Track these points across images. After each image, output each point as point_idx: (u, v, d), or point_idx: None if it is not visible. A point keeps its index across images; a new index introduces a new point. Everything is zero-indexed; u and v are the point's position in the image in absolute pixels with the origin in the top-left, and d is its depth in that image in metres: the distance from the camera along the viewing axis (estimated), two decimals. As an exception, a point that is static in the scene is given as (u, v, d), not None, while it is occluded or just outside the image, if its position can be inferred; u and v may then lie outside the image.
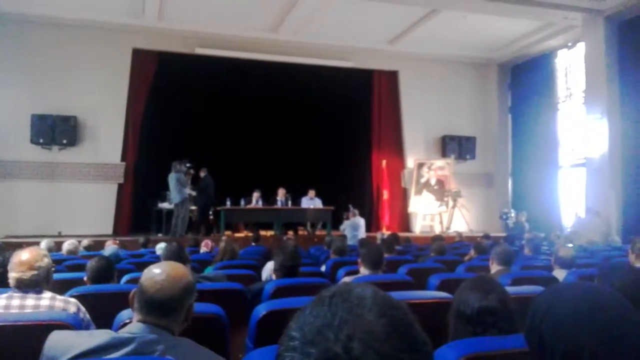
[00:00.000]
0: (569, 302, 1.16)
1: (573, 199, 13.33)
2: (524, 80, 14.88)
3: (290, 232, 12.65)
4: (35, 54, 11.87)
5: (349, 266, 4.55)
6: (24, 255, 2.69)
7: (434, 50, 14.26)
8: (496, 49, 14.51)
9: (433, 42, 13.74)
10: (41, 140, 11.70)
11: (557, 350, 1.10)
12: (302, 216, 12.68)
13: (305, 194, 12.83)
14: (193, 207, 12.08)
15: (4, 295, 2.61)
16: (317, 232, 12.59)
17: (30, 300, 2.58)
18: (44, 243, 6.59)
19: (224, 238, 7.63)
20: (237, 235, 11.67)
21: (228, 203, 11.80)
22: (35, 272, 2.63)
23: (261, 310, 2.47)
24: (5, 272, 2.79)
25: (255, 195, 12.45)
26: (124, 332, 1.67)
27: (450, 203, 13.99)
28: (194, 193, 11.78)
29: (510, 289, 2.28)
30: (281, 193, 12.55)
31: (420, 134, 14.76)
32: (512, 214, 13.18)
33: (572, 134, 13.73)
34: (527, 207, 13.59)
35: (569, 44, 13.57)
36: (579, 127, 13.00)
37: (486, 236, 9.86)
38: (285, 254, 3.62)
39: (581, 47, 12.63)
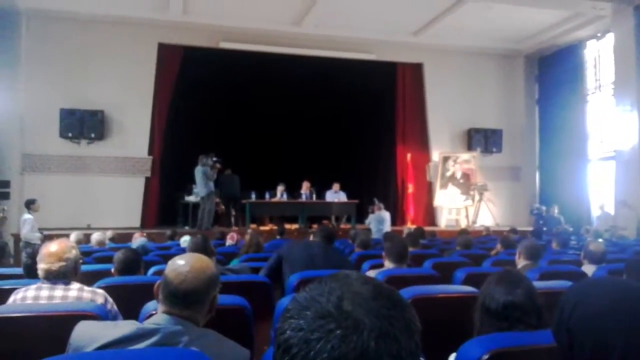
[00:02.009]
0: (598, 296, 1.14)
1: (602, 193, 13.08)
2: (552, 72, 14.59)
3: (315, 226, 12.66)
4: (63, 49, 12.06)
5: (373, 260, 4.53)
6: (52, 246, 2.73)
7: (459, 41, 14.08)
8: (523, 39, 14.26)
9: (458, 34, 13.57)
10: (70, 134, 11.90)
11: (586, 346, 1.08)
12: (327, 209, 12.69)
13: (329, 187, 12.83)
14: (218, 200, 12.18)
15: (33, 286, 2.66)
16: (342, 226, 12.57)
17: (59, 291, 2.62)
18: (73, 235, 6.70)
19: (249, 231, 7.66)
20: (262, 228, 11.73)
21: (253, 196, 11.87)
22: (63, 264, 2.67)
23: (285, 302, 2.47)
24: (34, 263, 2.84)
25: (280, 188, 12.50)
26: (149, 323, 1.69)
27: (476, 197, 13.85)
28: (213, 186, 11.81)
29: (537, 284, 2.25)
30: (305, 186, 12.57)
31: (445, 127, 14.61)
32: (543, 209, 12.97)
33: (601, 126, 13.47)
34: (555, 201, 13.36)
35: (598, 35, 13.27)
36: (608, 119, 12.74)
37: (513, 230, 9.74)
38: (324, 226, 4.34)
39: (610, 37, 12.37)
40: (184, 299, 1.72)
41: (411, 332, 0.76)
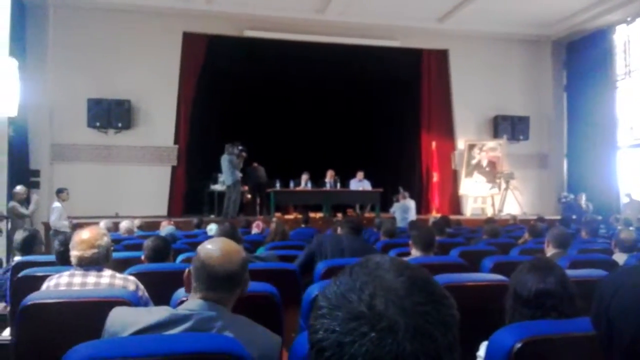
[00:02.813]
0: (637, 285, 1.12)
1: (632, 181, 12.83)
2: (581, 58, 14.29)
3: (339, 214, 12.67)
4: (89, 40, 12.20)
5: (399, 248, 4.52)
6: (84, 234, 2.77)
7: (485, 27, 13.85)
8: (550, 25, 13.96)
9: (484, 19, 13.33)
10: (97, 124, 12.07)
11: (626, 334, 1.06)
12: (351, 198, 12.69)
13: (353, 175, 12.81)
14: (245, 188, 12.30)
15: (66, 272, 2.70)
16: (366, 214, 12.55)
17: (92, 278, 2.66)
18: (102, 223, 6.81)
19: (274, 220, 7.70)
20: (287, 217, 11.78)
21: (278, 185, 11.92)
22: (95, 251, 2.71)
23: (314, 290, 2.48)
24: (67, 250, 2.89)
25: (304, 177, 12.53)
26: (182, 309, 1.71)
27: (503, 185, 13.68)
28: (241, 175, 11.89)
29: (568, 272, 2.21)
30: (330, 175, 12.58)
31: (471, 114, 14.43)
32: (571, 197, 12.77)
33: (631, 113, 13.17)
34: (584, 189, 13.14)
35: (628, 19, 12.91)
36: (639, 106, 12.44)
37: (540, 219, 9.62)
38: (352, 217, 4.20)
39: (641, 21, 12.05)
40: (225, 282, 1.74)
41: (448, 326, 0.74)
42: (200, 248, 1.83)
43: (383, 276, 0.77)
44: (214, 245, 1.81)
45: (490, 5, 12.40)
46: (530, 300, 1.80)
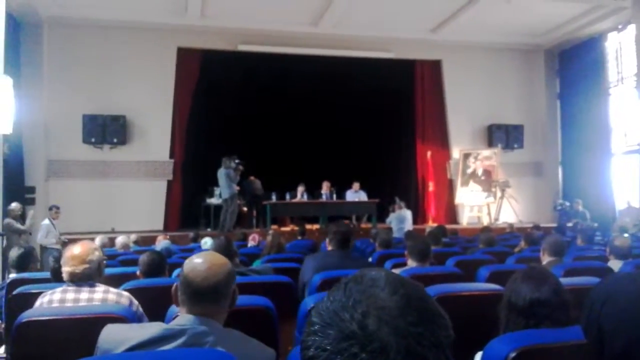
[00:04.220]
0: (629, 292, 1.12)
1: (627, 187, 12.86)
2: (573, 66, 14.38)
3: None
4: (84, 56, 12.23)
5: (396, 258, 4.52)
6: (75, 249, 2.76)
7: (477, 37, 13.95)
8: (542, 34, 14.07)
9: (477, 29, 13.43)
10: (93, 140, 12.05)
11: (618, 341, 1.06)
12: (347, 209, 12.67)
13: (349, 187, 12.82)
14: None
15: (59, 289, 2.69)
16: (362, 225, 12.54)
17: (85, 294, 2.65)
18: (98, 239, 6.79)
19: (270, 232, 7.69)
20: (283, 229, 11.76)
21: (274, 197, 11.91)
22: (87, 266, 2.70)
23: (309, 303, 2.47)
24: (60, 266, 2.88)
25: (300, 189, 12.54)
26: (174, 325, 1.70)
27: (498, 194, 13.71)
28: (238, 188, 11.91)
29: (563, 280, 2.21)
30: (326, 186, 12.59)
31: (465, 124, 14.49)
32: (567, 204, 12.79)
33: (624, 120, 13.24)
34: (579, 196, 13.15)
35: (619, 27, 13.03)
36: (632, 112, 12.51)
37: (536, 227, 9.64)
38: (339, 226, 4.00)
39: (632, 29, 12.13)
40: (208, 296, 1.73)
41: (441, 347, 0.73)
42: (187, 263, 1.83)
43: (377, 294, 0.75)
44: (198, 259, 1.82)
45: (483, 15, 12.48)
46: (525, 309, 1.80)
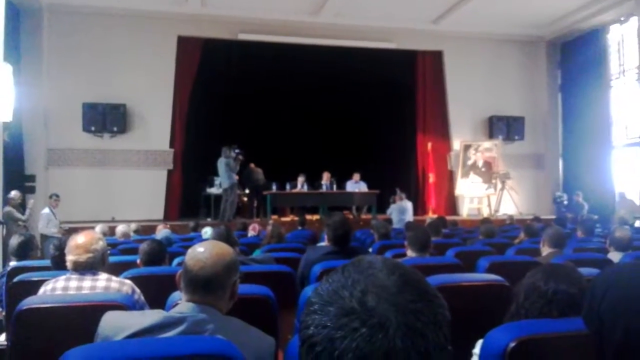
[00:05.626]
0: (628, 282, 1.12)
1: (627, 180, 12.86)
2: (575, 58, 14.32)
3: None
4: (84, 44, 12.19)
5: (396, 249, 4.52)
6: (79, 238, 2.76)
7: (479, 28, 13.89)
8: (544, 25, 14.01)
9: (478, 20, 13.38)
10: (93, 128, 12.03)
11: (617, 331, 1.07)
12: (348, 200, 12.68)
13: (350, 177, 12.82)
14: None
15: (62, 277, 2.70)
16: (363, 216, 12.56)
17: (87, 282, 2.65)
18: (98, 228, 6.80)
19: (270, 222, 7.71)
20: (284, 219, 11.78)
21: (274, 187, 11.92)
22: (91, 255, 2.70)
23: (309, 291, 2.47)
24: (62, 255, 2.89)
25: (301, 179, 12.54)
26: (174, 312, 1.70)
27: (499, 185, 13.71)
28: (237, 177, 11.90)
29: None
30: (326, 177, 12.59)
31: (466, 115, 14.46)
32: (565, 197, 12.80)
33: (625, 112, 13.21)
34: (580, 188, 13.17)
35: (622, 19, 12.96)
36: (633, 105, 12.49)
37: (536, 219, 9.64)
38: (335, 222, 3.76)
39: (634, 21, 12.10)
40: (205, 286, 1.73)
41: (439, 324, 0.74)
42: (189, 251, 1.84)
43: (375, 274, 0.77)
44: (201, 248, 1.82)
45: (484, 6, 12.44)
46: (547, 295, 1.75)
